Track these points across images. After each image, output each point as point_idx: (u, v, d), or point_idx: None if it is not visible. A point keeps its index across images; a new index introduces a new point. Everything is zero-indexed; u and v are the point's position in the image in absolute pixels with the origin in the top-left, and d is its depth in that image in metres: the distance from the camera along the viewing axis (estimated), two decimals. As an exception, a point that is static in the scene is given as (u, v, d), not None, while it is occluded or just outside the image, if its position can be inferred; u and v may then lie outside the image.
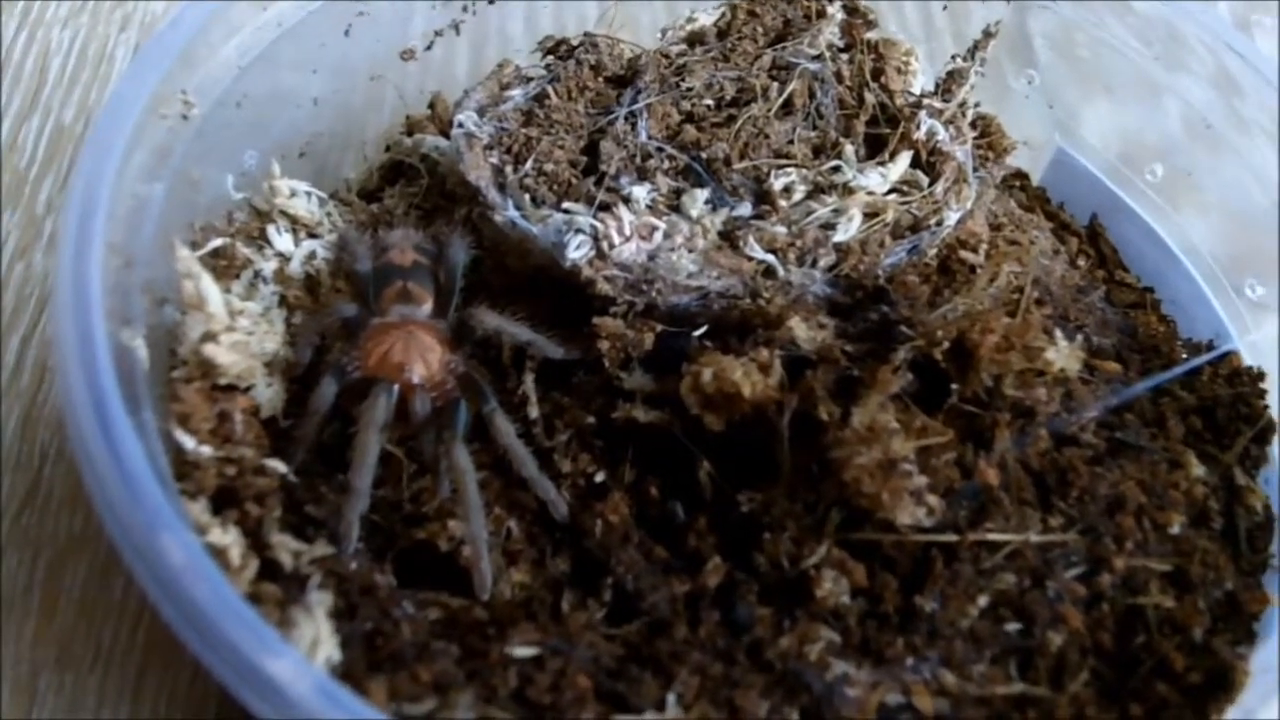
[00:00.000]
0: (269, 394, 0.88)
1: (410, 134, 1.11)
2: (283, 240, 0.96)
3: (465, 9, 1.10)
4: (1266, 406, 1.02)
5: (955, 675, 0.83)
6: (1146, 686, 0.86)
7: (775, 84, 0.99)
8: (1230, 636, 0.90)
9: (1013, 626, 0.86)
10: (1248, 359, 1.06)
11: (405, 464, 0.89)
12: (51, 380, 1.06)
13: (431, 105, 1.14)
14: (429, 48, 1.11)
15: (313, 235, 0.98)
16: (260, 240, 0.96)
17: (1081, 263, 1.12)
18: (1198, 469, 0.97)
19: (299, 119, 1.05)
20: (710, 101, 0.98)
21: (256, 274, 0.94)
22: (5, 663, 0.93)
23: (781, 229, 0.92)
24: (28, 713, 0.91)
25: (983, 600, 0.85)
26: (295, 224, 0.98)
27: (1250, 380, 1.03)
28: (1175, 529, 0.92)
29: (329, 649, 0.73)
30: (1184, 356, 1.05)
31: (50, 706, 0.91)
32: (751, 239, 0.91)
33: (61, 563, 0.98)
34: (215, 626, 0.67)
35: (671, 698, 0.79)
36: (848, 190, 0.94)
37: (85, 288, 0.75)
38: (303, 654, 0.71)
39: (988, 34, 1.05)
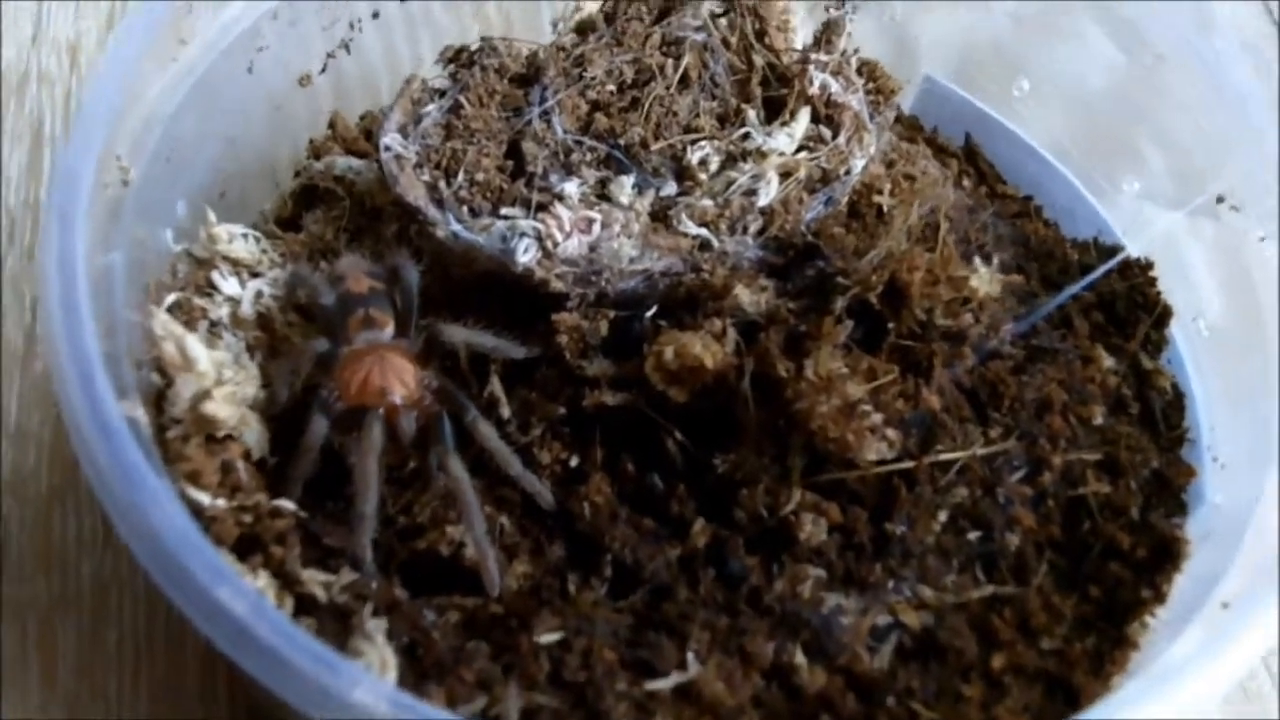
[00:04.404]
0: (255, 437, 0.90)
1: (317, 157, 1.12)
2: (229, 284, 0.98)
3: (352, 26, 1.12)
4: (1159, 293, 1.09)
5: (932, 589, 0.90)
6: (1100, 569, 0.94)
7: (669, 60, 1.02)
8: (1164, 510, 0.97)
9: (973, 535, 0.92)
10: (1132, 250, 1.12)
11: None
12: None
13: (331, 125, 1.16)
14: (323, 70, 1.12)
15: (255, 274, 1.00)
16: (208, 288, 0.98)
17: (966, 183, 1.18)
18: (1107, 360, 1.04)
19: (215, 160, 1.06)
20: (613, 87, 1.01)
21: (213, 323, 0.95)
22: (14, 735, 0.95)
23: (708, 202, 0.96)
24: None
25: (943, 516, 0.92)
26: (237, 266, 0.99)
27: (1140, 270, 1.11)
28: (1098, 420, 0.99)
29: (393, 671, 0.77)
30: (1075, 257, 1.12)
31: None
32: (683, 215, 0.96)
33: (49, 626, 0.99)
34: (293, 667, 0.69)
35: (690, 655, 0.84)
36: (760, 155, 0.98)
37: (89, 367, 0.76)
38: (375, 676, 0.75)
39: (851, -22, 1.09)
